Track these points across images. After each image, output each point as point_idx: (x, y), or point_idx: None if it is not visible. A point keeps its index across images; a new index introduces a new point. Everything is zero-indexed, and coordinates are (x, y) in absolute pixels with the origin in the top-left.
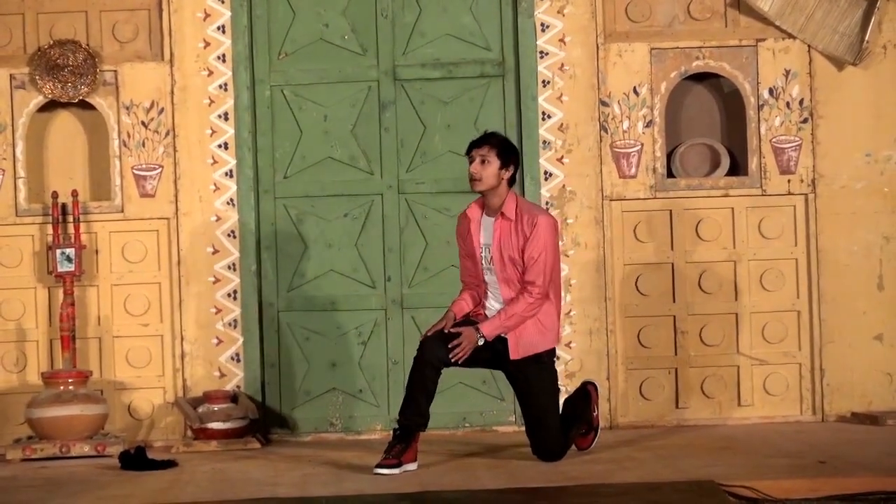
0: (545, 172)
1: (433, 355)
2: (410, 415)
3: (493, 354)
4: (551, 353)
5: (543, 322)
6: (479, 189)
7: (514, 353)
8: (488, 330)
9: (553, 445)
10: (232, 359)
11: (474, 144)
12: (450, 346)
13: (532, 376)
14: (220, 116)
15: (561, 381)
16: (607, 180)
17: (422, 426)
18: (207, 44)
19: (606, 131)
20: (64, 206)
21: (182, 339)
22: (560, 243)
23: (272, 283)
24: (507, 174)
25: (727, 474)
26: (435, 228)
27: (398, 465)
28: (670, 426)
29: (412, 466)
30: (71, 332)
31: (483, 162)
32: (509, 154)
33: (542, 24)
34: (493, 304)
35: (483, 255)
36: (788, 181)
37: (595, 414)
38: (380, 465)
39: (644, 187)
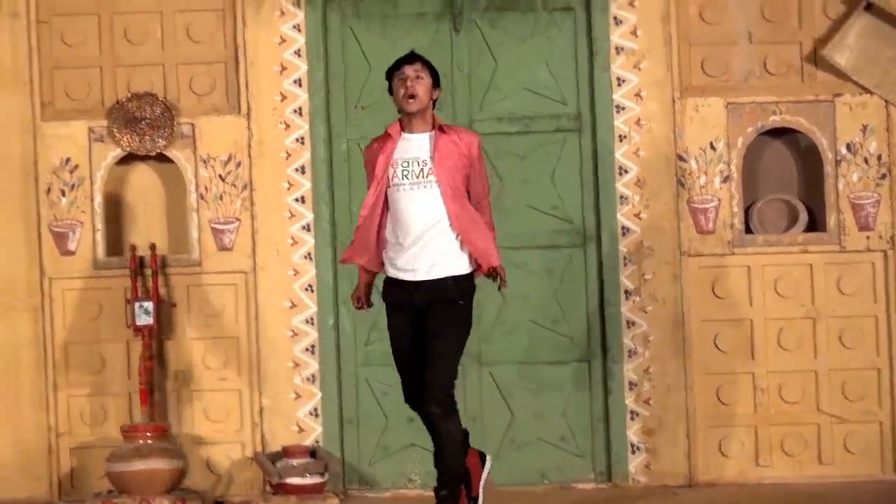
0: (622, 228)
1: (414, 408)
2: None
3: (416, 321)
4: (468, 295)
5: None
6: (413, 108)
7: (486, 261)
8: (497, 257)
9: (438, 390)
10: (310, 414)
11: (404, 61)
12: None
13: (442, 316)
14: (297, 170)
15: (640, 439)
16: (685, 236)
17: None
18: (284, 97)
19: (683, 186)
20: (142, 259)
21: (260, 393)
22: (636, 297)
23: (350, 338)
24: (435, 94)
25: None
26: (512, 283)
27: None
28: (750, 484)
29: None
30: (149, 385)
31: (418, 78)
32: (436, 73)
33: (618, 79)
34: (404, 235)
35: (403, 169)
36: (867, 237)
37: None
38: None
39: (722, 243)
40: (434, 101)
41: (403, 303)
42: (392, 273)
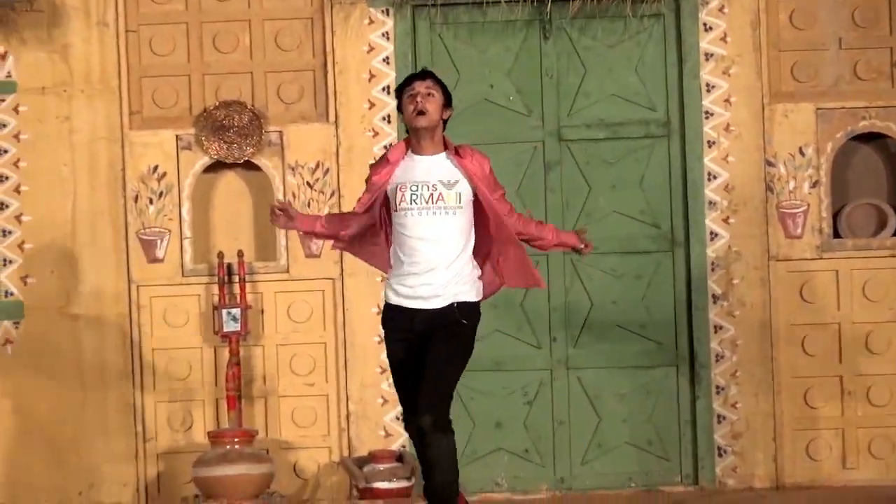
0: (711, 233)
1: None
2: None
3: (416, 346)
4: (472, 318)
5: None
6: (422, 125)
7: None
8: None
9: (433, 401)
10: (397, 418)
11: (415, 77)
12: (583, 247)
13: (445, 334)
14: None
15: (727, 442)
16: (773, 240)
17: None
18: (372, 105)
19: (772, 191)
20: (230, 266)
21: (347, 398)
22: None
23: None
24: (446, 114)
25: None
26: (601, 289)
27: None
28: (838, 486)
29: None
30: (237, 391)
31: (429, 95)
32: (448, 92)
33: (708, 85)
34: (411, 263)
35: (412, 193)
36: None
37: None
38: None
39: (810, 247)
40: (444, 122)
41: (404, 329)
42: (395, 300)
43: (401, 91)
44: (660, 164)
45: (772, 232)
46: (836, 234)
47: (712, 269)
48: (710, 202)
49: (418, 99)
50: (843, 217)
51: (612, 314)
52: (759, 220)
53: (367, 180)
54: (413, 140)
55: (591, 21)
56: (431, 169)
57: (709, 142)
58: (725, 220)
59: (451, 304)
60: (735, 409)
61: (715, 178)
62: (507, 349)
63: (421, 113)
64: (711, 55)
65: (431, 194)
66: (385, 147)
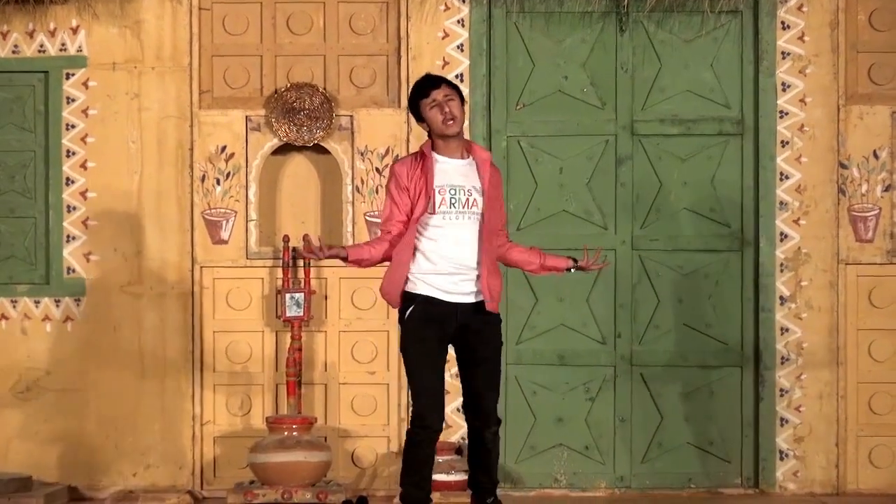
0: (781, 234)
1: (435, 426)
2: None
3: (458, 335)
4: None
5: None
6: (455, 131)
7: (493, 306)
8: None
9: (495, 413)
10: (458, 410)
11: (433, 85)
12: (591, 264)
13: (490, 338)
14: None
15: (789, 446)
16: (843, 244)
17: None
18: None
19: (844, 194)
20: (295, 249)
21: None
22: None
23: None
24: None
25: None
26: (668, 286)
27: None
28: None
29: None
30: (297, 377)
31: (450, 99)
32: (460, 90)
33: (783, 84)
34: (446, 263)
35: (451, 196)
36: None
37: None
38: None
39: (881, 252)
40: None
41: (442, 322)
42: (431, 293)
43: (416, 102)
44: (732, 162)
45: (842, 235)
46: None
47: (781, 271)
48: (782, 202)
49: (445, 108)
50: None
51: (679, 312)
52: (829, 222)
53: (396, 186)
54: (441, 144)
55: (669, 15)
56: (466, 172)
57: (782, 141)
58: (796, 222)
59: (487, 300)
60: (798, 413)
61: (787, 178)
62: (572, 344)
63: (452, 119)
64: (788, 54)
65: (468, 199)
66: None
